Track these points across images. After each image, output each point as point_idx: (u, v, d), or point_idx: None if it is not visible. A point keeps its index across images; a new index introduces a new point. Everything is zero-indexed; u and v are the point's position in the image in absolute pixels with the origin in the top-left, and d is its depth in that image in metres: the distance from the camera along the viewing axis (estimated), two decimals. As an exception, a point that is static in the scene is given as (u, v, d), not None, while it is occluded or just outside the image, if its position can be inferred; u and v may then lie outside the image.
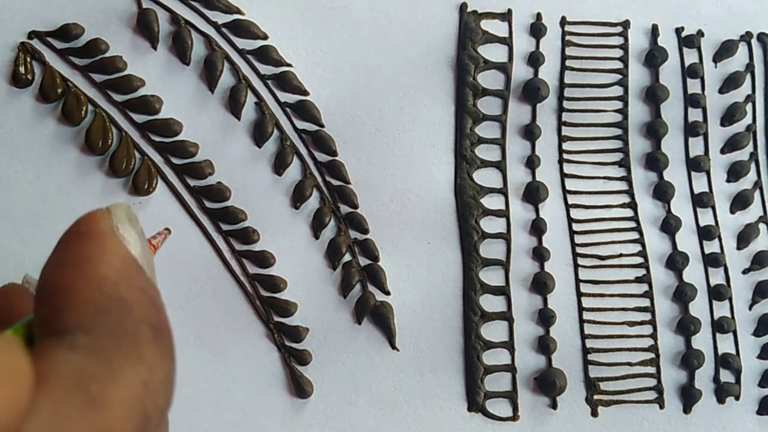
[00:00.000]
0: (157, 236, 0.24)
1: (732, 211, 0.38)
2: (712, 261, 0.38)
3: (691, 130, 0.38)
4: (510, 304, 0.36)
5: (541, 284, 0.36)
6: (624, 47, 0.38)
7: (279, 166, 0.36)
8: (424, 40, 0.37)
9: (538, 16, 0.38)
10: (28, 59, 0.35)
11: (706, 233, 0.38)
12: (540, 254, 0.37)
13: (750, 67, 0.39)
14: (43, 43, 0.35)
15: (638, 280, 0.37)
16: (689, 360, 0.36)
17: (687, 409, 0.36)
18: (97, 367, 0.15)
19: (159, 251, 0.24)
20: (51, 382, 0.14)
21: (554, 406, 0.36)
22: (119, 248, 0.17)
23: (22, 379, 0.14)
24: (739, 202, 0.38)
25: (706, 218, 0.38)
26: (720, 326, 0.37)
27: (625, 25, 0.38)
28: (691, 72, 0.39)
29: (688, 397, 0.36)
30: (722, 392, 0.37)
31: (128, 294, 0.16)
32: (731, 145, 0.38)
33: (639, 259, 0.37)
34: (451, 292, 0.36)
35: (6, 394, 0.13)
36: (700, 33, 0.39)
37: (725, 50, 0.39)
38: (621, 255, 0.37)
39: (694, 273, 0.37)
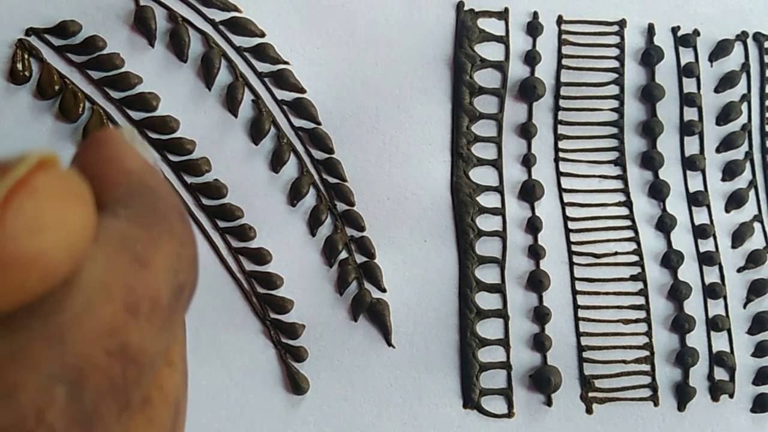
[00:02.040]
0: None
1: (727, 210, 0.38)
2: (706, 259, 0.38)
3: (686, 129, 0.38)
4: (505, 301, 0.36)
5: (536, 282, 0.36)
6: (620, 46, 0.39)
7: (276, 163, 0.36)
8: (421, 39, 0.37)
9: (535, 14, 0.38)
10: (26, 56, 0.35)
11: (701, 232, 0.38)
12: (535, 252, 0.37)
13: (746, 67, 0.39)
14: (41, 40, 0.35)
15: (633, 278, 0.37)
16: (684, 358, 0.37)
17: (681, 407, 0.37)
18: (140, 232, 0.15)
19: None
20: (102, 238, 0.15)
21: (549, 403, 0.36)
22: (137, 153, 0.18)
23: (90, 207, 0.14)
24: (734, 200, 0.38)
25: (701, 217, 0.38)
26: (714, 324, 0.37)
27: (622, 24, 0.39)
28: (687, 71, 0.39)
29: (683, 394, 0.37)
30: (716, 390, 0.37)
31: (154, 183, 0.17)
32: (726, 144, 0.39)
33: (634, 258, 0.37)
34: (447, 289, 0.36)
35: (82, 216, 0.14)
36: (696, 32, 0.39)
37: (721, 49, 0.39)
38: (616, 253, 0.37)
39: (688, 271, 0.38)
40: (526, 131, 0.38)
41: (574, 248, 0.37)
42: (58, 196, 0.13)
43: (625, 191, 0.38)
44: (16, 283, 0.13)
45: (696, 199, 0.38)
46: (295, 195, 0.36)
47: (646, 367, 0.37)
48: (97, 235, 0.14)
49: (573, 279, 0.37)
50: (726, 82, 0.39)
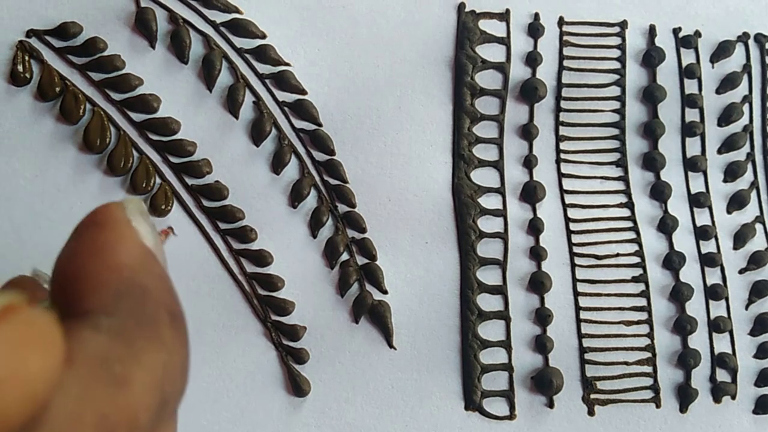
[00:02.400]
0: (161, 234, 0.24)
1: (729, 211, 0.38)
2: (708, 261, 0.38)
3: (688, 130, 0.38)
4: (507, 303, 0.36)
5: (538, 284, 0.36)
6: (621, 47, 0.38)
7: (277, 165, 0.36)
8: (422, 40, 0.37)
9: (536, 16, 0.38)
10: (27, 58, 0.35)
11: (702, 233, 0.38)
12: (537, 254, 0.37)
13: (747, 68, 0.39)
14: (42, 42, 0.35)
15: (635, 279, 0.37)
16: (686, 359, 0.37)
17: (683, 409, 0.37)
18: (121, 348, 0.15)
19: None
20: (77, 360, 0.14)
21: (551, 405, 0.36)
22: (136, 237, 0.17)
23: (56, 351, 0.14)
24: (736, 202, 0.38)
25: (702, 218, 0.38)
26: (716, 326, 0.37)
27: (623, 25, 0.39)
28: (689, 72, 0.39)
29: (685, 396, 0.36)
30: (718, 391, 0.37)
31: (147, 280, 0.16)
32: (728, 145, 0.39)
33: (636, 259, 0.37)
34: (449, 291, 0.36)
35: (42, 364, 0.13)
36: (698, 33, 0.39)
37: (722, 51, 0.39)
38: (618, 255, 0.37)
39: (690, 273, 0.38)
40: (528, 132, 0.38)
41: (576, 250, 0.37)
42: (18, 346, 0.13)
43: (627, 192, 0.38)
44: None
45: (698, 201, 0.38)
46: (296, 197, 0.36)
47: (648, 369, 0.37)
48: (73, 356, 0.14)
49: (574, 280, 0.37)
50: (727, 83, 0.39)
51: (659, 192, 0.38)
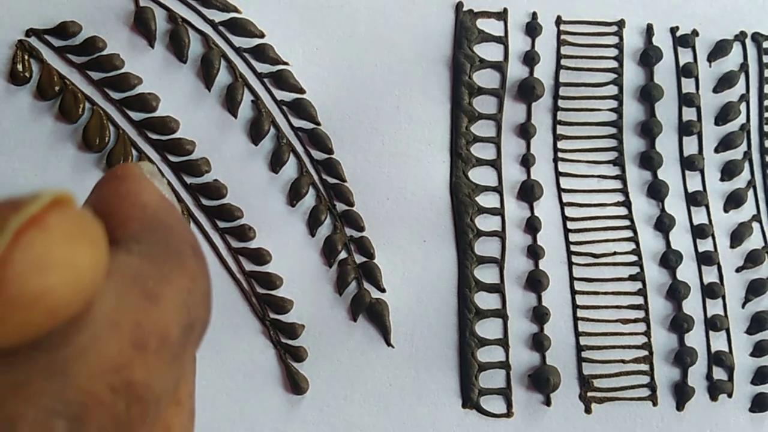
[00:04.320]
0: None
1: (726, 210, 0.38)
2: (705, 259, 0.38)
3: (685, 129, 0.39)
4: (504, 301, 0.37)
5: (535, 282, 0.37)
6: (619, 46, 0.39)
7: (275, 163, 0.36)
8: (420, 39, 0.37)
9: (534, 15, 0.38)
10: (26, 57, 0.35)
11: (699, 232, 0.38)
12: (534, 252, 0.37)
13: (744, 67, 0.39)
14: (41, 41, 0.35)
15: (632, 278, 0.37)
16: (682, 357, 0.37)
17: (680, 407, 0.37)
18: (151, 268, 0.15)
19: None
20: (113, 275, 0.15)
21: (548, 402, 0.36)
22: (155, 187, 0.18)
23: (103, 247, 0.14)
24: (733, 200, 0.38)
25: (699, 217, 0.38)
26: (713, 324, 0.37)
27: (620, 24, 0.39)
28: (686, 71, 0.39)
29: (681, 394, 0.37)
30: (715, 390, 0.37)
31: (169, 219, 0.17)
32: (725, 144, 0.39)
33: (633, 257, 0.37)
34: (446, 289, 0.36)
35: (91, 258, 0.14)
36: (695, 32, 0.39)
37: (719, 50, 0.39)
38: (615, 253, 0.37)
39: (687, 271, 0.38)
40: (525, 131, 0.38)
41: (573, 248, 0.37)
42: (70, 236, 0.13)
43: (624, 191, 0.38)
44: (21, 320, 0.13)
45: (695, 199, 0.38)
46: (294, 195, 0.36)
47: (645, 367, 0.37)
48: (109, 271, 0.14)
49: (572, 279, 0.37)
50: (725, 82, 0.39)
51: (656, 191, 0.38)
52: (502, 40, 0.38)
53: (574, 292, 0.37)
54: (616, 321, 0.37)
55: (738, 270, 0.38)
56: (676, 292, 0.37)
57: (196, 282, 0.16)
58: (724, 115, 0.39)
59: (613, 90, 0.38)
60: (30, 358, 0.13)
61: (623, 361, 0.37)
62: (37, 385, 0.13)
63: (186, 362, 0.16)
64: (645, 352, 0.37)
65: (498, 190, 0.37)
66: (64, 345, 0.13)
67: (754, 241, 0.38)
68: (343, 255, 0.36)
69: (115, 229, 0.16)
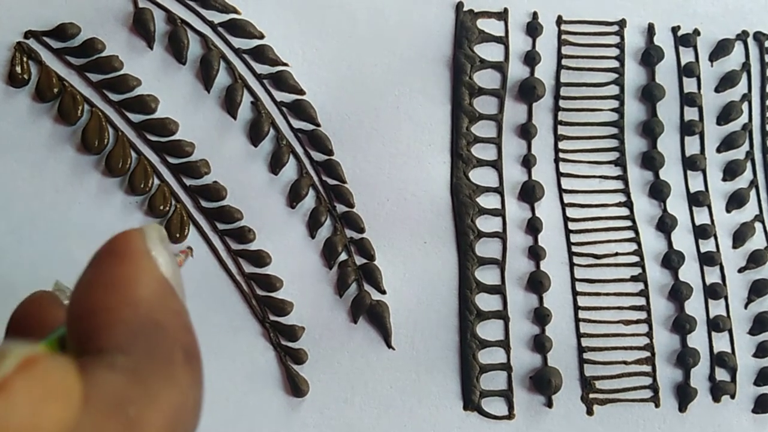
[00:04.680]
0: (180, 254, 0.24)
1: (728, 210, 0.38)
2: (707, 260, 0.38)
3: (687, 128, 0.38)
4: (506, 302, 0.36)
5: (536, 283, 0.36)
6: (620, 46, 0.38)
7: (275, 165, 0.36)
8: (420, 40, 0.37)
9: (534, 15, 0.38)
10: (25, 59, 0.35)
11: (701, 232, 0.38)
12: (536, 253, 0.37)
13: (746, 66, 0.39)
14: (40, 43, 0.35)
15: (634, 278, 0.37)
16: (685, 358, 0.37)
17: (682, 408, 0.36)
18: (135, 390, 0.15)
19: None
20: (92, 401, 0.14)
21: (550, 404, 0.36)
22: (154, 270, 0.17)
23: (73, 401, 0.14)
24: (735, 200, 0.38)
25: (701, 217, 0.38)
26: (715, 325, 0.37)
27: (622, 24, 0.38)
28: (687, 71, 0.39)
29: (684, 395, 0.36)
30: (718, 391, 0.37)
31: (163, 317, 0.16)
32: (727, 143, 0.39)
33: (635, 258, 0.37)
34: (447, 291, 0.36)
35: (60, 415, 0.13)
36: (697, 32, 0.39)
37: (721, 49, 0.39)
38: (617, 254, 0.37)
39: (689, 272, 0.37)
40: (526, 132, 0.37)
41: (575, 249, 0.37)
42: (36, 400, 0.13)
43: (626, 191, 0.38)
44: None
45: (697, 199, 0.38)
46: (294, 197, 0.36)
47: (647, 368, 0.37)
48: (88, 396, 0.14)
49: (573, 280, 0.37)
50: (726, 81, 0.39)
51: (658, 191, 0.38)
52: (503, 40, 0.38)
53: (575, 293, 0.37)
54: (618, 322, 0.37)
55: (740, 270, 0.38)
56: (678, 293, 0.37)
57: (186, 396, 0.16)
58: (726, 115, 0.39)
59: (614, 90, 0.38)
60: None
61: (625, 363, 0.36)
62: None
63: None
64: (647, 353, 0.37)
65: (499, 190, 0.37)
66: None
67: (757, 242, 0.38)
68: (343, 257, 0.36)
69: (102, 333, 0.16)
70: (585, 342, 0.36)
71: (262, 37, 0.36)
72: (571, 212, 0.37)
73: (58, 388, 0.14)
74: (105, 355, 0.15)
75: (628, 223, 0.38)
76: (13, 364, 0.13)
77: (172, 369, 0.16)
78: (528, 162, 0.37)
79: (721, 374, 0.37)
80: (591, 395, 0.36)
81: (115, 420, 0.14)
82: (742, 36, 0.39)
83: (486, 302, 0.36)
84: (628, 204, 0.38)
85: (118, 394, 0.15)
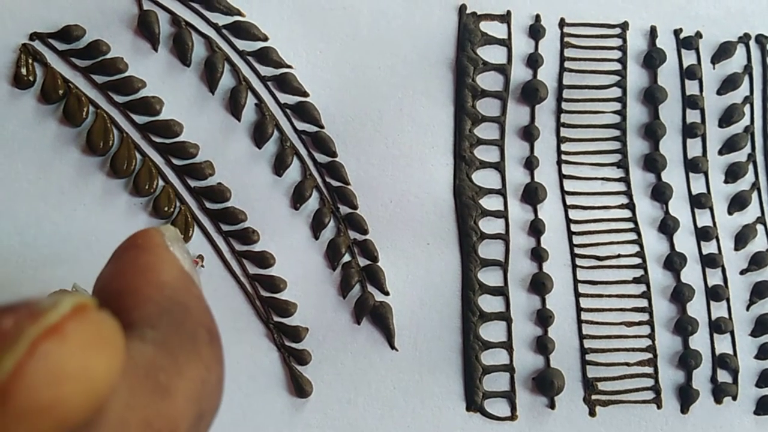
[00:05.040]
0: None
1: (730, 212, 0.38)
2: (709, 262, 0.38)
3: (689, 131, 0.38)
4: (508, 304, 0.36)
5: (539, 285, 0.37)
6: (622, 49, 0.39)
7: (279, 167, 0.36)
8: (423, 42, 0.37)
9: (537, 17, 0.38)
10: (30, 61, 0.35)
11: (703, 234, 0.38)
12: (538, 255, 0.37)
13: (748, 69, 0.39)
14: (45, 45, 0.35)
15: (636, 280, 0.37)
16: (687, 360, 0.37)
17: (684, 409, 0.37)
18: (164, 359, 0.15)
19: None
20: (126, 367, 0.15)
21: (552, 405, 0.36)
22: (175, 260, 0.18)
23: (119, 354, 0.14)
24: (737, 203, 0.38)
25: (704, 219, 0.38)
26: (717, 326, 0.37)
27: (624, 26, 0.39)
28: (690, 73, 0.39)
29: (686, 397, 0.37)
30: (720, 392, 0.37)
31: (187, 299, 0.17)
32: (729, 146, 0.39)
33: (637, 260, 0.37)
34: (450, 292, 0.36)
35: (107, 366, 0.14)
36: (699, 34, 0.39)
37: (723, 52, 0.39)
38: (619, 255, 0.37)
39: (691, 273, 0.38)
40: (529, 134, 0.38)
41: (577, 251, 0.37)
42: (87, 345, 0.13)
43: (628, 193, 0.38)
44: (31, 430, 0.12)
45: (699, 202, 0.38)
46: (298, 198, 0.36)
47: (649, 370, 0.37)
48: (123, 365, 0.14)
49: (576, 281, 0.37)
50: (728, 84, 0.39)
51: (660, 193, 0.38)
52: (506, 43, 0.38)
53: (578, 295, 0.37)
54: (621, 324, 0.37)
55: (742, 272, 0.38)
56: (680, 295, 0.37)
57: (210, 371, 0.16)
58: (728, 117, 0.39)
59: (616, 92, 0.38)
60: None
61: (627, 364, 0.37)
62: None
63: None
64: (649, 355, 0.37)
65: (501, 192, 0.37)
66: None
67: (759, 244, 0.38)
68: (346, 258, 0.36)
69: (131, 310, 0.16)
70: (587, 343, 0.37)
71: (266, 39, 0.36)
72: (573, 214, 0.37)
73: (108, 337, 0.14)
74: (135, 328, 0.16)
75: (631, 225, 0.38)
76: (67, 308, 0.13)
77: (198, 346, 0.16)
78: (530, 164, 0.37)
79: (723, 376, 0.37)
80: (593, 396, 0.36)
81: (147, 385, 0.15)
82: (744, 39, 0.39)
83: (489, 304, 0.36)
84: (631, 206, 0.38)
85: (149, 362, 0.15)
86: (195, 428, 0.15)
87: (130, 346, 0.15)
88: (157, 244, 0.18)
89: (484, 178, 0.37)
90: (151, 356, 0.15)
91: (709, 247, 0.38)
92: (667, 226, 0.38)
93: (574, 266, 0.37)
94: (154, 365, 0.15)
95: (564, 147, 0.38)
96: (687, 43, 0.39)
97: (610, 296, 0.37)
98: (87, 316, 0.14)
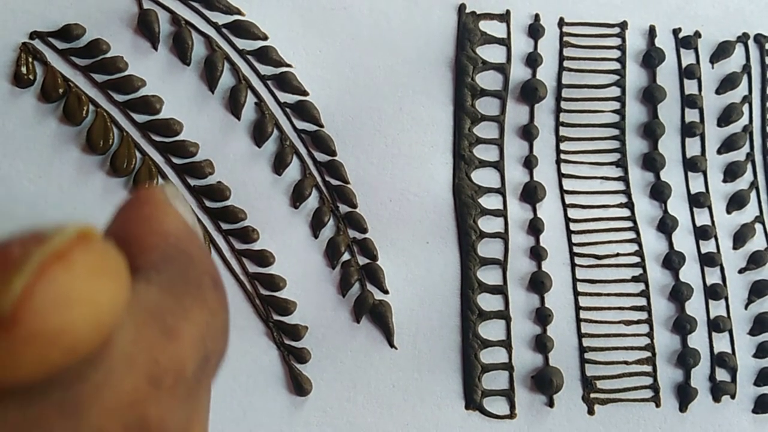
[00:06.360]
0: None
1: (728, 211, 0.38)
2: (708, 260, 0.38)
3: (687, 130, 0.39)
4: (507, 303, 0.37)
5: (538, 283, 0.37)
6: (621, 48, 0.39)
7: (278, 165, 0.36)
8: (422, 41, 0.37)
9: (536, 17, 0.38)
10: (30, 59, 0.35)
11: (702, 233, 0.38)
12: (537, 253, 0.37)
13: (747, 68, 0.39)
14: (45, 44, 0.35)
15: (635, 279, 0.37)
16: (685, 359, 0.37)
17: (683, 408, 0.37)
18: (170, 302, 0.15)
19: None
20: (133, 307, 0.15)
21: (551, 404, 0.36)
22: (178, 213, 0.18)
23: (125, 283, 0.14)
24: (736, 202, 0.38)
25: (702, 218, 0.38)
26: (716, 325, 0.37)
27: (623, 26, 0.39)
28: (688, 73, 0.39)
29: (684, 395, 0.37)
30: (718, 391, 0.37)
31: (190, 248, 0.17)
32: (728, 145, 0.39)
33: (636, 259, 0.37)
34: (449, 291, 0.36)
35: (113, 294, 0.14)
36: (697, 34, 0.39)
37: (722, 51, 0.39)
38: (618, 254, 0.37)
39: (690, 272, 0.38)
40: (528, 133, 0.38)
41: (576, 249, 0.37)
42: (93, 272, 0.13)
43: (627, 192, 0.38)
44: (39, 356, 0.12)
45: (697, 201, 0.38)
46: (297, 197, 0.36)
47: (648, 368, 0.37)
48: (129, 302, 0.14)
49: (575, 280, 0.37)
50: (727, 83, 0.39)
51: (659, 192, 0.38)
52: (505, 42, 0.38)
53: (576, 294, 0.37)
54: (619, 322, 0.37)
55: (741, 271, 0.38)
56: (678, 294, 0.37)
57: (215, 315, 0.16)
58: (726, 117, 0.39)
59: (615, 91, 0.38)
60: (45, 394, 0.13)
61: (626, 363, 0.37)
62: (51, 421, 0.13)
63: (200, 395, 0.16)
64: (648, 354, 0.37)
65: (501, 191, 0.37)
66: (79, 381, 0.13)
67: (757, 243, 0.38)
68: (346, 257, 0.36)
69: (136, 257, 0.16)
70: (586, 342, 0.37)
71: (266, 38, 0.36)
72: (572, 213, 0.38)
73: (113, 265, 0.14)
74: (141, 272, 0.16)
75: (629, 224, 0.38)
76: (72, 235, 0.13)
77: (202, 291, 0.16)
78: (530, 163, 0.38)
79: (722, 374, 0.37)
80: (592, 395, 0.36)
81: (153, 325, 0.15)
82: (743, 38, 0.39)
83: (488, 302, 0.36)
84: (629, 205, 0.38)
85: (155, 303, 0.15)
86: (201, 370, 0.15)
87: (136, 288, 0.15)
88: (159, 197, 0.18)
89: (483, 177, 0.37)
90: (157, 298, 0.15)
91: (707, 246, 0.38)
92: (666, 225, 0.38)
93: (573, 265, 0.37)
94: (160, 307, 0.15)
95: (563, 146, 0.38)
96: (686, 42, 0.39)
97: (609, 295, 0.37)
98: (92, 244, 0.13)
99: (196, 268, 0.17)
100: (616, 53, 0.39)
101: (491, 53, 0.38)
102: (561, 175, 0.38)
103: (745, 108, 0.39)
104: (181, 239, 0.17)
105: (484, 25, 0.38)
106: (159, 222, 0.17)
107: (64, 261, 0.13)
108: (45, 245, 0.13)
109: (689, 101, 0.39)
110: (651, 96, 0.38)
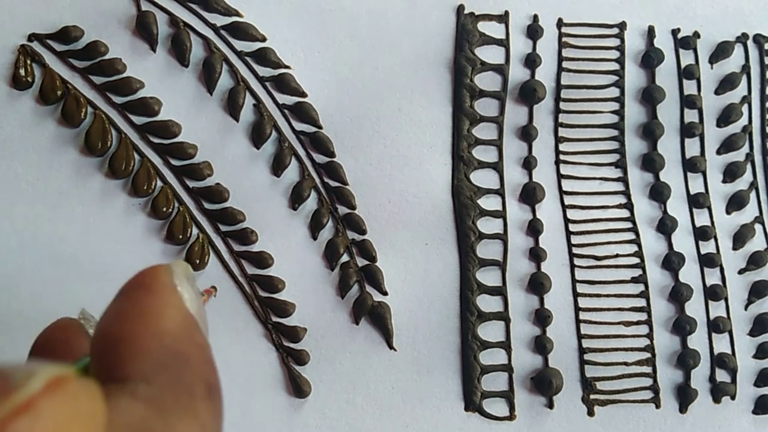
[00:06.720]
0: (204, 293, 0.24)
1: (728, 212, 0.38)
2: (708, 261, 0.38)
3: (687, 131, 0.39)
4: (507, 304, 0.37)
5: (537, 284, 0.37)
6: (620, 48, 0.39)
7: (277, 167, 0.36)
8: (421, 42, 0.37)
9: (535, 17, 0.38)
10: (28, 61, 0.35)
11: (702, 234, 0.38)
12: (536, 255, 0.37)
13: (746, 68, 0.39)
14: (43, 46, 0.35)
15: (634, 280, 0.37)
16: (685, 360, 0.37)
17: (683, 409, 0.37)
18: (156, 420, 0.15)
19: None
20: (113, 428, 0.14)
21: (551, 405, 0.36)
22: (180, 304, 0.17)
23: (97, 424, 0.14)
24: (735, 202, 0.38)
25: (702, 219, 0.38)
26: (716, 326, 0.37)
27: (622, 26, 0.39)
28: (687, 73, 0.39)
29: (684, 396, 0.37)
30: (718, 392, 0.37)
31: (187, 349, 0.17)
32: (727, 146, 0.39)
33: (635, 260, 0.37)
34: (448, 292, 0.36)
35: None
36: (696, 34, 0.39)
37: (721, 51, 0.39)
38: (617, 255, 0.37)
39: (690, 273, 0.38)
40: (527, 134, 0.38)
41: (575, 250, 0.37)
42: (61, 421, 0.13)
43: (626, 193, 0.38)
44: None
45: (697, 201, 0.38)
46: (296, 199, 0.36)
47: (648, 369, 0.37)
48: (111, 424, 0.14)
49: (574, 281, 0.37)
50: (726, 83, 0.39)
51: (658, 193, 0.38)
52: (504, 43, 0.38)
53: (576, 295, 0.37)
54: (619, 323, 0.37)
55: (740, 272, 0.38)
56: (678, 294, 0.37)
57: (205, 428, 0.16)
58: (725, 117, 0.39)
59: (614, 92, 0.38)
60: None
61: (626, 364, 0.37)
62: None
63: None
64: (647, 355, 0.37)
65: (500, 192, 0.37)
66: None
67: (757, 243, 0.38)
68: (345, 258, 0.36)
69: (127, 363, 0.16)
70: (586, 343, 0.37)
71: (264, 40, 0.36)
72: (571, 214, 0.38)
73: (84, 412, 0.14)
74: (128, 383, 0.15)
75: (629, 225, 0.38)
76: (41, 383, 0.13)
77: (194, 402, 0.16)
78: (529, 164, 0.37)
79: (722, 375, 0.37)
80: (592, 396, 0.36)
81: None
82: (742, 38, 0.39)
83: (487, 303, 0.36)
84: (629, 206, 0.38)
85: (138, 422, 0.15)
86: None
87: (121, 404, 0.15)
88: (163, 284, 0.17)
89: (482, 178, 0.37)
90: (141, 415, 0.15)
91: (707, 247, 0.38)
92: (666, 226, 0.38)
93: (573, 266, 0.37)
94: (143, 426, 0.15)
95: (562, 147, 0.38)
96: (685, 42, 0.39)
97: (608, 296, 0.37)
98: (62, 390, 0.13)
99: (191, 374, 0.16)
100: (615, 54, 0.39)
101: (490, 54, 0.38)
102: (560, 176, 0.38)
103: (745, 108, 0.39)
104: (179, 339, 0.17)
105: (483, 26, 0.38)
106: (157, 318, 0.17)
107: (29, 414, 0.12)
108: (10, 397, 0.12)
109: (688, 102, 0.39)
110: (650, 96, 0.38)
